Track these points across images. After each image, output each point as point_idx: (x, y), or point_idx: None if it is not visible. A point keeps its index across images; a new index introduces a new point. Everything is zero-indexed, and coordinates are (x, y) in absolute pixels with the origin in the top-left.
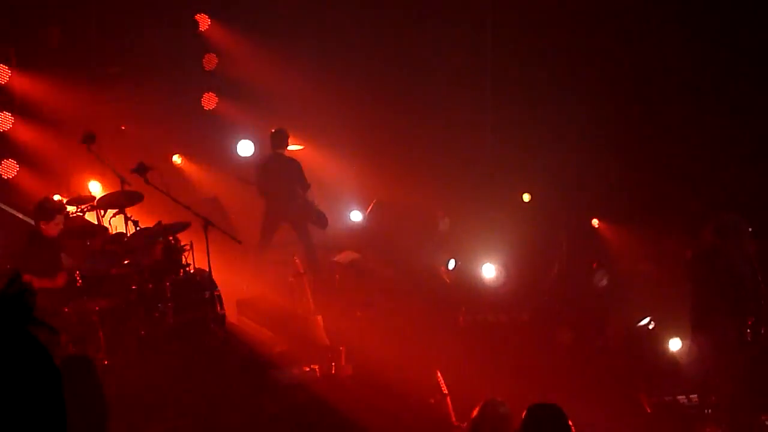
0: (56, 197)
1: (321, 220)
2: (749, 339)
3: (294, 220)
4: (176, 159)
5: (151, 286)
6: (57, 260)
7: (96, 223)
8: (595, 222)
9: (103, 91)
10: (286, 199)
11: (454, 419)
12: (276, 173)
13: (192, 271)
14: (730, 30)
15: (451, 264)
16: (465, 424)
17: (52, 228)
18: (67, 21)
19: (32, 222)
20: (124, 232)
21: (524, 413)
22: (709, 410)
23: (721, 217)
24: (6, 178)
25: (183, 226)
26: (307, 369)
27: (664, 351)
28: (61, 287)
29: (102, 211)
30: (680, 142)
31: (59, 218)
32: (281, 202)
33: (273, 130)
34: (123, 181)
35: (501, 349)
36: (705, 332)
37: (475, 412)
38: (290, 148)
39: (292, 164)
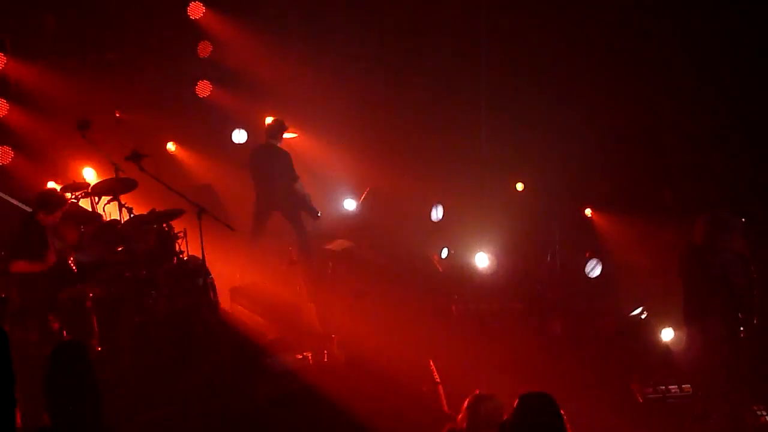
0: (50, 184)
1: (311, 210)
2: (741, 335)
3: (284, 210)
4: (170, 146)
5: (144, 273)
6: (46, 241)
7: (90, 209)
8: (588, 212)
9: (97, 78)
10: (275, 189)
11: (446, 407)
12: (265, 163)
13: (185, 259)
14: (724, 22)
15: (444, 253)
16: (457, 418)
17: (50, 220)
18: (62, 8)
19: (27, 208)
20: (118, 219)
21: (516, 402)
22: (702, 400)
23: (713, 213)
24: (1, 164)
25: (177, 214)
26: (300, 357)
27: (657, 341)
28: (51, 266)
29: (96, 198)
30: (674, 134)
31: (59, 213)
32: (270, 191)
33: (270, 120)
34: (117, 168)
35: (493, 337)
36: (697, 327)
37: (464, 408)
38: (285, 136)
39: (282, 156)
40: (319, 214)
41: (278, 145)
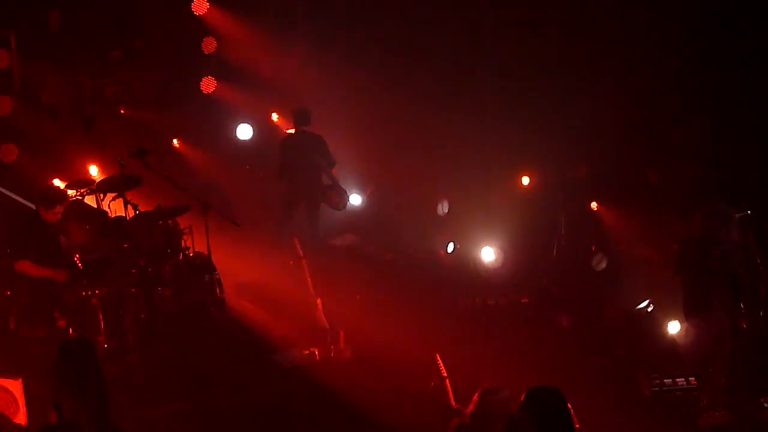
0: (55, 181)
1: (342, 198)
2: (744, 326)
3: (312, 199)
4: (175, 142)
5: (150, 269)
6: (56, 248)
7: (95, 206)
8: (593, 205)
9: (102, 75)
10: (310, 176)
11: (453, 402)
12: (301, 149)
13: (191, 255)
14: (728, 13)
15: (450, 247)
16: (466, 410)
17: (51, 215)
18: (67, 5)
19: (32, 206)
20: (124, 215)
21: (523, 396)
22: (708, 393)
23: (712, 205)
24: (5, 161)
25: (182, 210)
26: (307, 352)
27: (663, 334)
28: (62, 281)
29: (101, 195)
30: (679, 126)
31: (59, 208)
32: (304, 178)
33: (294, 108)
34: (122, 165)
35: (500, 331)
36: (699, 320)
37: (474, 400)
38: (288, 131)
39: (319, 140)
40: (346, 203)
41: (309, 130)
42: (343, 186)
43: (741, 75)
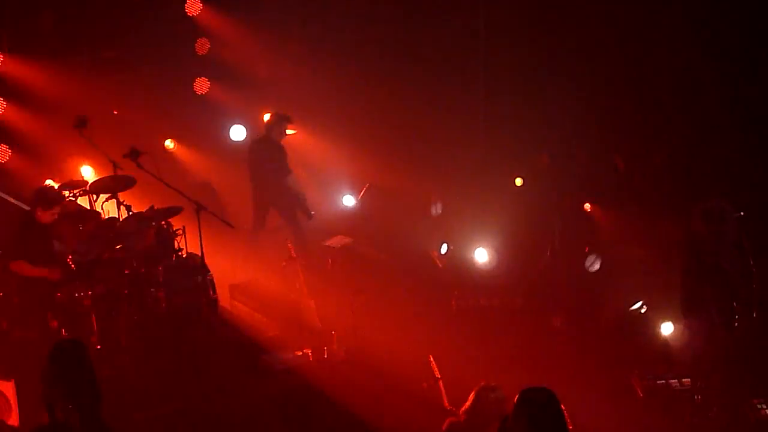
0: (48, 182)
1: (305, 213)
2: (736, 324)
3: (279, 206)
4: (168, 143)
5: (143, 270)
6: (50, 248)
7: (88, 207)
8: (587, 206)
9: (95, 76)
10: (268, 184)
11: (446, 403)
12: (260, 158)
13: (184, 256)
14: (724, 15)
15: (444, 248)
16: (460, 410)
17: (48, 216)
18: (60, 5)
19: (25, 207)
20: (117, 216)
21: (516, 397)
22: (701, 393)
23: (707, 203)
24: None
25: (175, 211)
26: (300, 353)
27: (657, 335)
28: (57, 279)
29: (94, 196)
30: (673, 126)
31: (56, 209)
32: (264, 186)
33: (268, 115)
34: (115, 166)
35: (493, 333)
36: (694, 318)
37: (470, 398)
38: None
39: (276, 150)
40: (312, 214)
41: (278, 139)
42: (306, 196)
43: (738, 77)
